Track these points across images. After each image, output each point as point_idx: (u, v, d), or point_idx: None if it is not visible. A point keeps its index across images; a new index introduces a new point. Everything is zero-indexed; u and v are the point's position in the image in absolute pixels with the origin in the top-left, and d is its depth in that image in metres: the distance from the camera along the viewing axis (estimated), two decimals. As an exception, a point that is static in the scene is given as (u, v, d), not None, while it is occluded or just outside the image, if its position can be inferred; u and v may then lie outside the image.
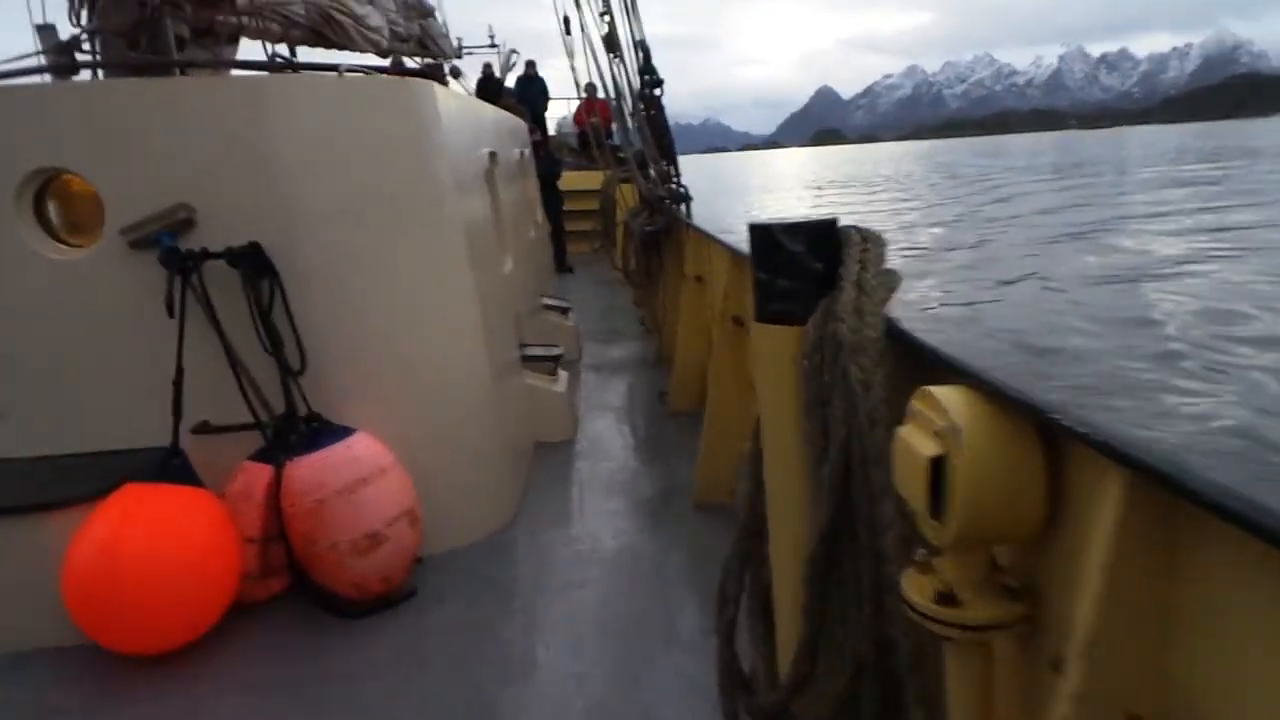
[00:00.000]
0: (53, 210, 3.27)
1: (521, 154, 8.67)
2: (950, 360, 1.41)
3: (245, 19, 5.17)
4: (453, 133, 3.96)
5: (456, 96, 4.38)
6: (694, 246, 5.41)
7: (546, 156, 12.21)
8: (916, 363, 1.55)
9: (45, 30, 4.33)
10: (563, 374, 5.36)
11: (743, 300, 3.92)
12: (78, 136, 3.15)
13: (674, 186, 6.45)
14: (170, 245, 3.15)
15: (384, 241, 3.50)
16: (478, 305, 3.82)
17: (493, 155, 5.27)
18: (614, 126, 15.32)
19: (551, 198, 12.02)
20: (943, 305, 14.88)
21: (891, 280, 1.70)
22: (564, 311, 7.20)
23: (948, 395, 1.26)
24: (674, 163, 6.28)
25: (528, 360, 5.09)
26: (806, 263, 1.73)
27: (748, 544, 2.20)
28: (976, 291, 15.95)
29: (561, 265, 12.29)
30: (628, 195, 10.05)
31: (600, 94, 14.54)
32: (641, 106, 6.75)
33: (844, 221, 1.85)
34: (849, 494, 1.63)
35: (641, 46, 6.26)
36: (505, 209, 5.55)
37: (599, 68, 8.78)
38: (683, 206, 6.10)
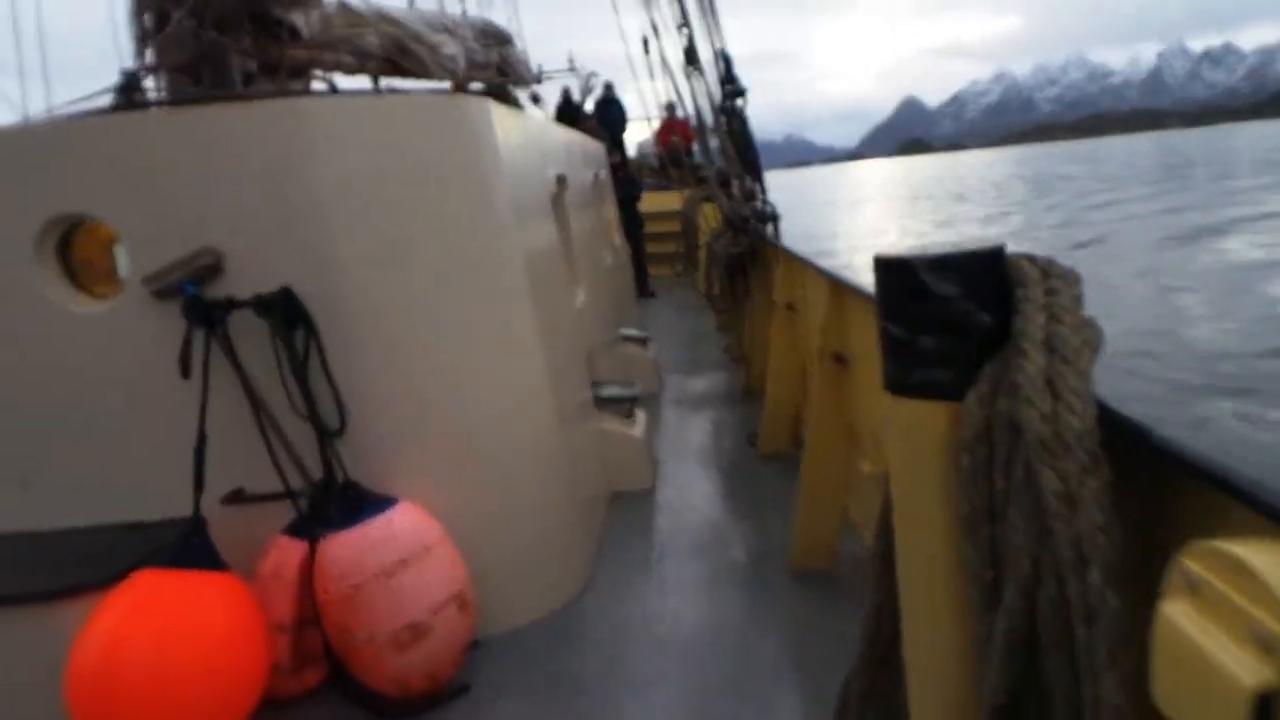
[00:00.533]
0: (73, 259, 2.98)
1: (597, 176, 8.29)
2: (1234, 481, 0.86)
3: (315, 51, 4.93)
4: (514, 156, 3.54)
5: (518, 115, 3.97)
6: (785, 271, 4.87)
7: (625, 178, 11.83)
8: (1153, 471, 1.01)
9: (129, 75, 4.14)
10: (640, 415, 4.87)
11: (844, 334, 3.37)
12: (95, 176, 2.84)
13: (759, 205, 5.93)
14: (193, 294, 2.81)
15: (435, 282, 3.08)
16: (542, 350, 3.37)
17: (561, 179, 4.86)
18: (694, 145, 14.93)
19: (631, 220, 11.63)
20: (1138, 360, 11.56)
21: (1093, 337, 1.15)
22: (643, 342, 6.73)
23: (1271, 563, 0.71)
24: (760, 179, 5.76)
25: (602, 402, 4.62)
26: (964, 311, 1.19)
27: (872, 675, 1.65)
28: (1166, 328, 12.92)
29: (643, 290, 11.85)
30: (710, 216, 9.58)
31: (680, 113, 14.25)
32: (723, 119, 6.26)
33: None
34: (1038, 664, 1.10)
35: (721, 56, 5.78)
36: (577, 237, 5.14)
37: (677, 85, 8.40)
38: (770, 227, 5.57)
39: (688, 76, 7.73)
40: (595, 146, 9.41)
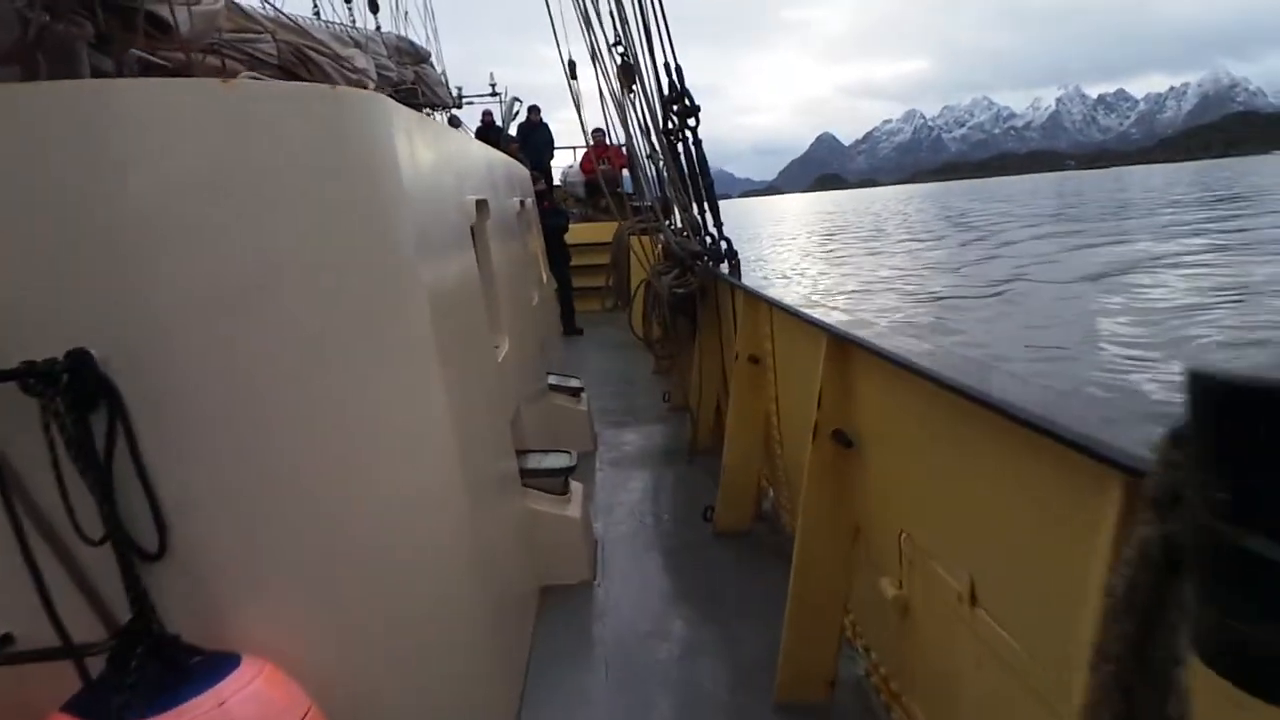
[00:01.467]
0: None
1: (524, 204, 7.49)
2: None
3: (197, 55, 4.02)
4: (421, 171, 2.72)
5: (427, 123, 3.15)
6: (748, 317, 4.14)
7: (552, 208, 11.07)
8: None
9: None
10: (576, 489, 4.05)
11: (849, 407, 2.63)
12: None
13: (710, 239, 5.21)
14: (-73, 362, 1.88)
15: (304, 337, 2.21)
16: (453, 425, 2.53)
17: (482, 204, 4.04)
18: (624, 173, 14.25)
19: (558, 253, 10.83)
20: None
21: None
22: (575, 393, 5.91)
23: None
24: (714, 209, 5.03)
25: (529, 477, 3.79)
26: None
27: None
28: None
29: (570, 327, 11.04)
30: (645, 248, 8.88)
31: (610, 139, 13.54)
32: (668, 141, 5.54)
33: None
34: None
35: (669, 70, 5.07)
36: (501, 273, 4.31)
37: (609, 109, 7.67)
38: (725, 264, 4.84)
39: (622, 99, 7.04)
40: (521, 170, 8.60)
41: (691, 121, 4.93)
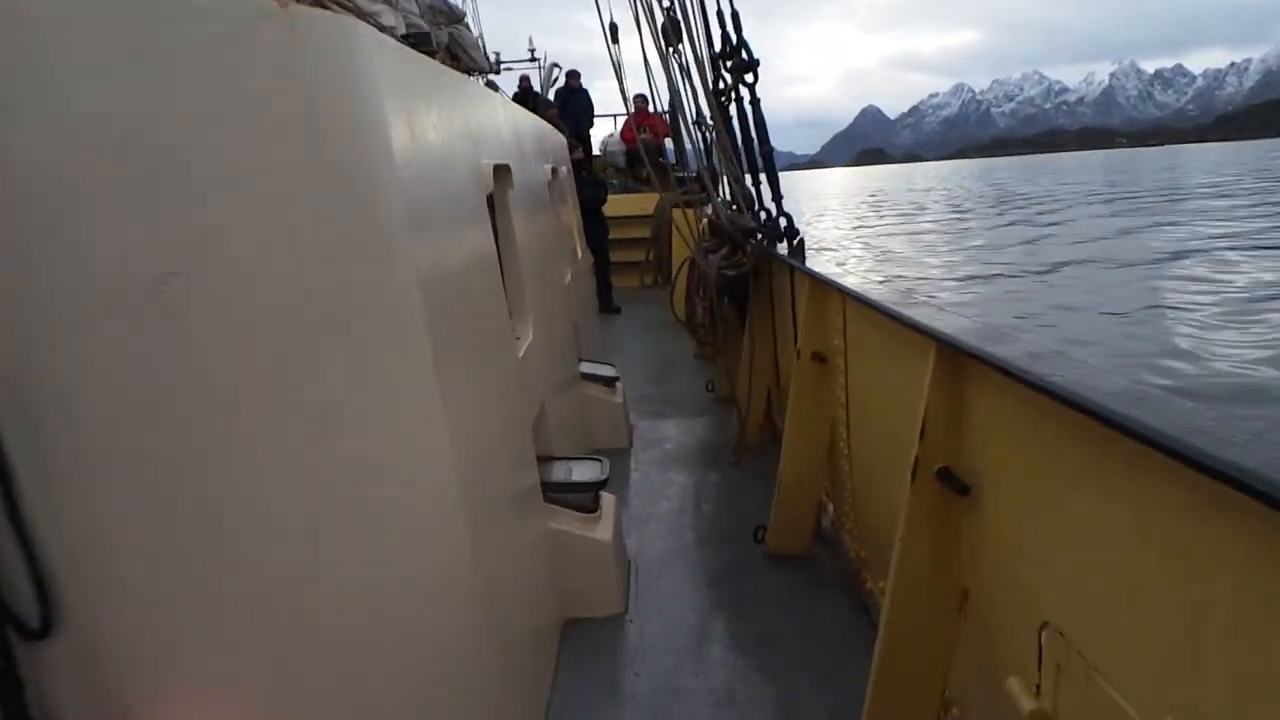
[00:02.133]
0: None
1: (557, 172, 6.91)
2: None
3: None
4: (416, 127, 2.15)
5: (429, 68, 2.57)
6: (815, 309, 3.53)
7: (589, 178, 10.45)
8: None
9: None
10: (608, 502, 3.49)
11: (962, 444, 2.03)
12: None
13: (769, 214, 4.58)
14: None
15: (244, 342, 1.66)
16: (451, 443, 1.98)
17: (503, 171, 3.46)
18: (667, 142, 13.55)
19: (595, 226, 10.23)
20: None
21: None
22: (610, 383, 5.34)
23: None
24: (773, 180, 4.40)
25: (554, 491, 3.24)
26: None
27: None
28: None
29: (607, 305, 10.46)
30: (688, 222, 8.27)
31: (653, 107, 12.84)
32: (719, 103, 4.91)
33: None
34: None
35: (722, 20, 4.42)
36: (526, 252, 3.74)
37: (653, 72, 7.04)
38: (784, 244, 4.22)
39: (666, 58, 6.40)
40: (555, 135, 8.01)
41: (749, 78, 4.29)
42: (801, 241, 3.93)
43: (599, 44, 10.36)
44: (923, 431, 2.05)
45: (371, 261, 1.81)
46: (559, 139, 8.29)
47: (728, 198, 5.65)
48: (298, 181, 1.67)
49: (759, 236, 4.48)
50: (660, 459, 5.11)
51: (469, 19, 11.54)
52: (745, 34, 4.39)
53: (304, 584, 1.71)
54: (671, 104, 8.92)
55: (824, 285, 3.40)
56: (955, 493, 1.99)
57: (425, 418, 1.91)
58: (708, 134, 6.78)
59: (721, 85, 5.27)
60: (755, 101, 4.26)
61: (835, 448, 3.56)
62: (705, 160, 7.00)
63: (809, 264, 3.69)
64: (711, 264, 5.05)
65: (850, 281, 3.05)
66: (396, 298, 1.86)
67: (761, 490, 4.48)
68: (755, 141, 4.47)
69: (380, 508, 1.80)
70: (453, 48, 9.00)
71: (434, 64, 2.73)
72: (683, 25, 5.41)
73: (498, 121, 3.69)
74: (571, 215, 8.17)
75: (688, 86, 5.86)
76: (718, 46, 4.89)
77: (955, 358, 2.00)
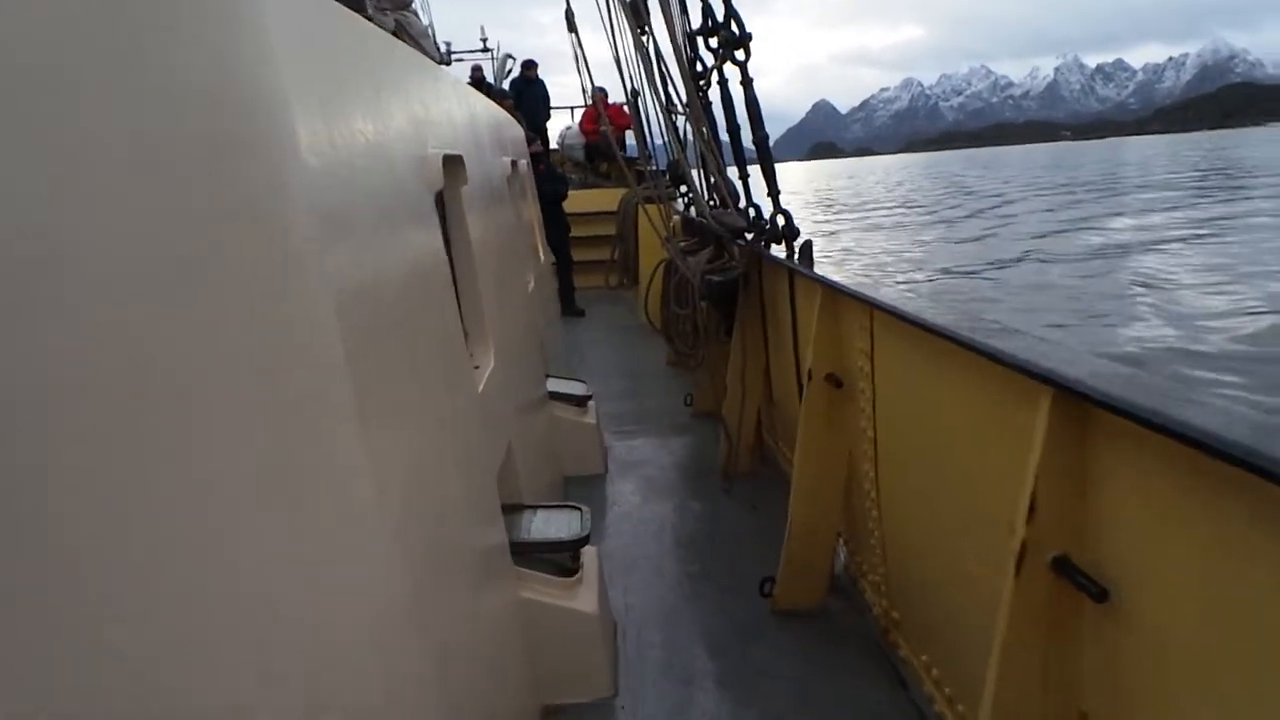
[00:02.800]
0: None
1: (515, 166, 6.30)
2: None
3: None
4: (335, 106, 1.55)
5: (359, 30, 1.97)
6: (829, 323, 2.99)
7: (548, 172, 9.83)
8: None
9: None
10: (589, 559, 2.92)
11: (1082, 525, 1.51)
12: None
13: (758, 210, 4.04)
14: None
15: (95, 372, 1.04)
16: (383, 518, 1.39)
17: (454, 162, 2.86)
18: (628, 135, 12.95)
19: (556, 224, 9.63)
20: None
21: None
22: (581, 402, 4.76)
23: None
24: (769, 171, 3.83)
25: (525, 553, 2.66)
26: None
27: None
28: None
29: (569, 308, 9.87)
30: (654, 217, 7.73)
31: (624, 96, 12.21)
32: (696, 86, 4.35)
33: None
34: None
35: (705, -11, 3.86)
36: (484, 259, 3.14)
37: (619, 56, 6.49)
38: (783, 246, 3.67)
39: (635, 38, 5.83)
40: (513, 125, 7.39)
41: (740, 55, 3.72)
42: (808, 244, 3.38)
43: (554, 37, 9.73)
44: (1032, 508, 1.52)
45: (266, 279, 1.22)
46: (517, 130, 7.68)
47: (705, 192, 5.11)
48: (157, 171, 1.07)
49: (752, 237, 3.93)
50: (641, 487, 4.54)
51: (417, 6, 10.81)
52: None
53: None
54: (632, 92, 8.37)
55: (842, 296, 2.86)
56: (1089, 596, 1.46)
57: (342, 478, 1.33)
58: (679, 122, 6.24)
59: (700, 67, 4.72)
60: (748, 82, 3.71)
61: (855, 485, 3.03)
62: (678, 152, 6.46)
63: (817, 269, 3.14)
64: (694, 267, 4.49)
65: (885, 295, 2.50)
66: (304, 322, 1.27)
67: (758, 525, 3.95)
68: (742, 129, 3.92)
69: (285, 591, 1.21)
70: (399, 35, 8.33)
71: (368, 27, 2.13)
72: (654, 2, 4.85)
73: (450, 105, 3.08)
74: (532, 212, 7.57)
75: (657, 71, 5.30)
76: (696, 22, 4.34)
77: (1080, 411, 1.47)
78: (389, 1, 9.39)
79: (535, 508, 2.95)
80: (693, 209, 6.76)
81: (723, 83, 4.17)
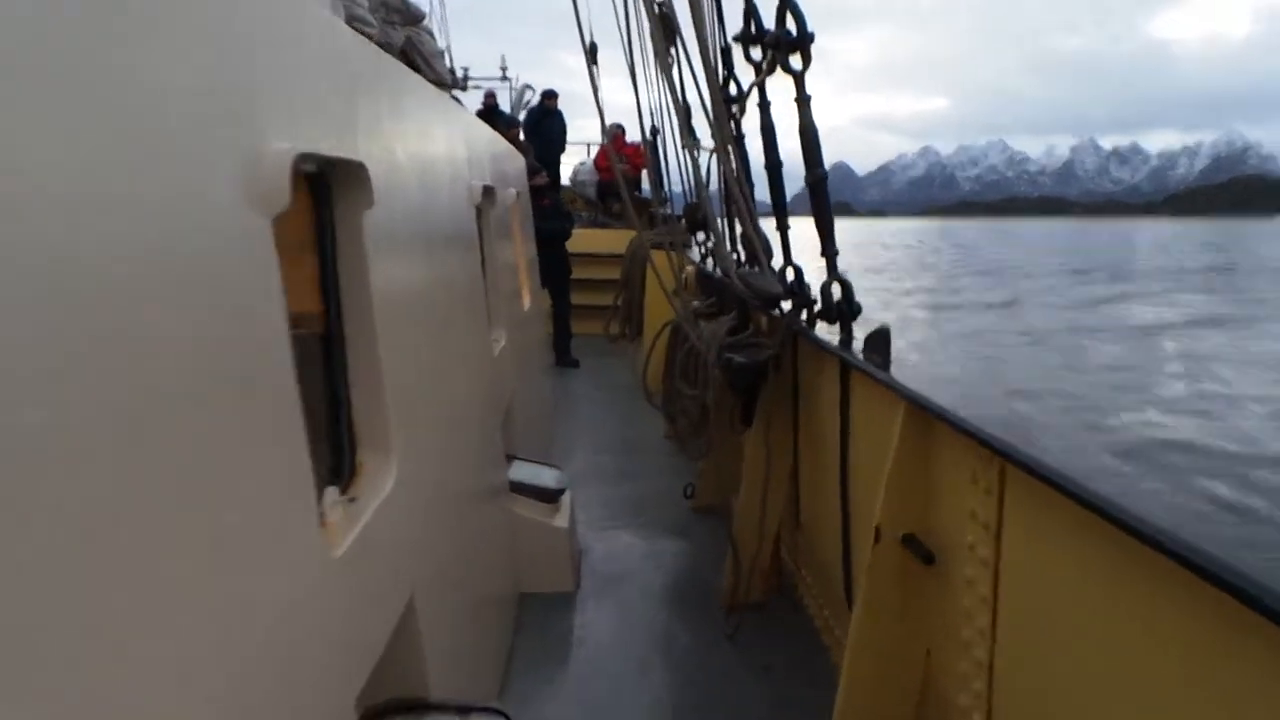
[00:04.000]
0: None
1: (519, 197, 5.37)
2: None
3: None
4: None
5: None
6: (913, 462, 2.00)
7: (553, 208, 8.89)
8: None
9: None
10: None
11: None
12: None
13: (797, 272, 3.07)
14: None
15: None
16: None
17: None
18: (643, 174, 12.04)
19: (557, 263, 8.68)
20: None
21: None
22: (552, 497, 3.72)
23: None
24: (825, 226, 2.80)
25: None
26: None
27: None
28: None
29: (564, 357, 8.88)
30: (667, 266, 6.78)
31: (646, 134, 11.34)
32: (728, 111, 3.42)
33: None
34: None
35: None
36: (403, 309, 2.14)
37: (638, 86, 5.58)
38: (836, 325, 2.68)
39: (665, 59, 4.94)
40: (514, 154, 6.50)
41: (796, 61, 2.75)
42: (883, 333, 2.34)
43: (577, 83, 8.89)
44: None
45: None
46: (518, 157, 6.77)
47: (730, 244, 4.15)
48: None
49: (785, 308, 2.96)
50: (617, 617, 3.50)
51: (432, 25, 9.97)
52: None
53: None
54: (652, 130, 7.48)
55: (942, 425, 1.86)
56: None
57: None
58: (702, 159, 5.33)
59: (735, 90, 3.79)
60: (804, 100, 2.73)
61: (938, 704, 2.01)
62: (698, 191, 5.55)
63: (898, 371, 2.13)
64: (709, 339, 3.50)
65: (1020, 442, 1.50)
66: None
67: (773, 697, 2.91)
68: (794, 164, 2.97)
69: None
70: (410, 53, 7.45)
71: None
72: (687, 10, 3.93)
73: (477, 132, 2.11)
74: (525, 253, 6.59)
75: (681, 95, 4.37)
76: (731, 31, 3.42)
77: None
78: (398, 16, 8.47)
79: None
80: (711, 262, 5.81)
81: (764, 105, 3.22)
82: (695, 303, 5.09)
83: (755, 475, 3.41)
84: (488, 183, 3.90)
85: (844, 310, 2.63)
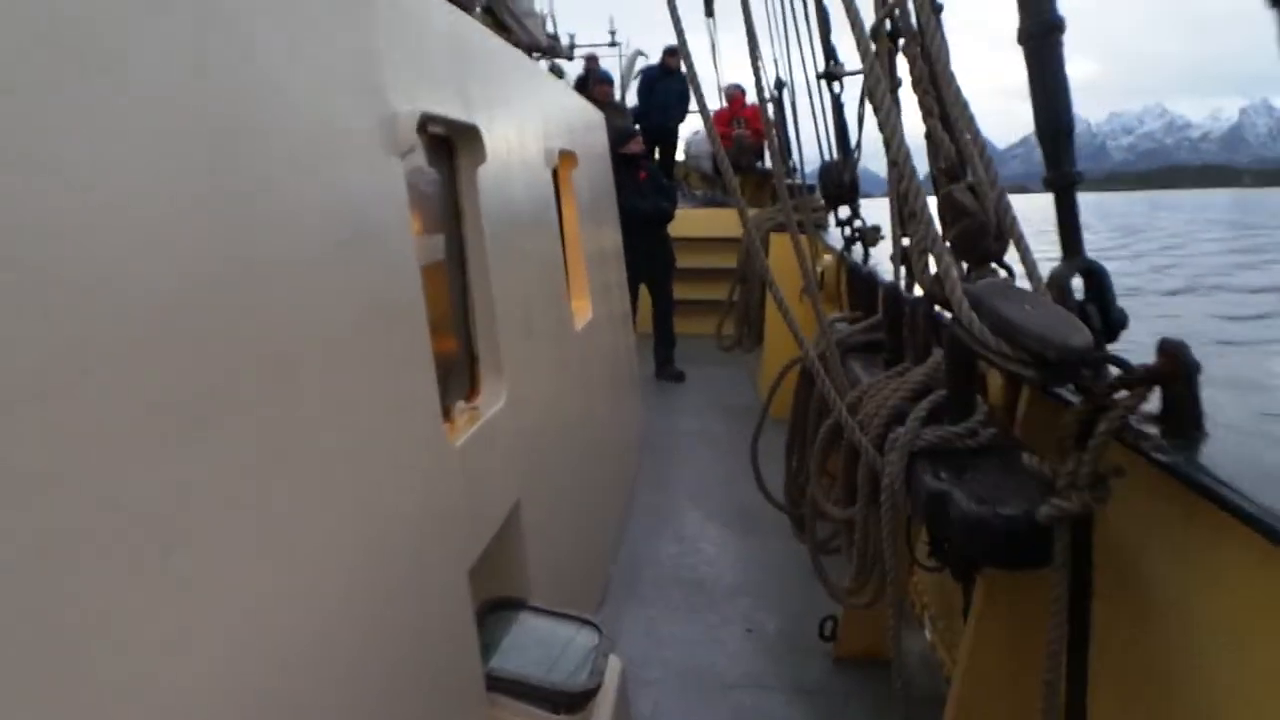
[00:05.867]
0: None
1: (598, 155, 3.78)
2: None
3: None
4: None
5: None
6: None
7: (650, 182, 7.09)
8: None
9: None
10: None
11: None
12: None
13: (1112, 309, 1.30)
14: None
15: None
16: None
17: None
18: (763, 143, 10.13)
19: (655, 253, 6.99)
20: None
21: None
22: (565, 705, 2.03)
23: None
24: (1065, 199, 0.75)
25: None
26: None
27: None
28: None
29: (666, 369, 7.19)
30: (777, 251, 5.08)
31: (754, 96, 9.50)
32: (882, 68, 1.68)
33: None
34: None
35: None
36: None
37: (755, 45, 3.79)
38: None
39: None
40: (583, 106, 4.86)
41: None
42: None
43: (697, 40, 7.20)
44: None
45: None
46: (593, 112, 5.09)
47: (938, 233, 2.33)
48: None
49: (1114, 378, 1.18)
50: None
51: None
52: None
53: None
54: (777, 83, 5.72)
55: None
56: None
57: None
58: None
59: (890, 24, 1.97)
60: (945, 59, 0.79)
61: None
62: (843, 145, 3.83)
63: None
64: (877, 416, 1.75)
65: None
66: None
67: None
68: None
69: None
70: (496, 9, 5.87)
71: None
72: None
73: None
74: (603, 241, 4.88)
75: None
76: None
77: None
78: (483, -26, 6.88)
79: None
80: (860, 249, 3.99)
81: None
82: (836, 316, 3.36)
83: (986, 664, 1.65)
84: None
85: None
